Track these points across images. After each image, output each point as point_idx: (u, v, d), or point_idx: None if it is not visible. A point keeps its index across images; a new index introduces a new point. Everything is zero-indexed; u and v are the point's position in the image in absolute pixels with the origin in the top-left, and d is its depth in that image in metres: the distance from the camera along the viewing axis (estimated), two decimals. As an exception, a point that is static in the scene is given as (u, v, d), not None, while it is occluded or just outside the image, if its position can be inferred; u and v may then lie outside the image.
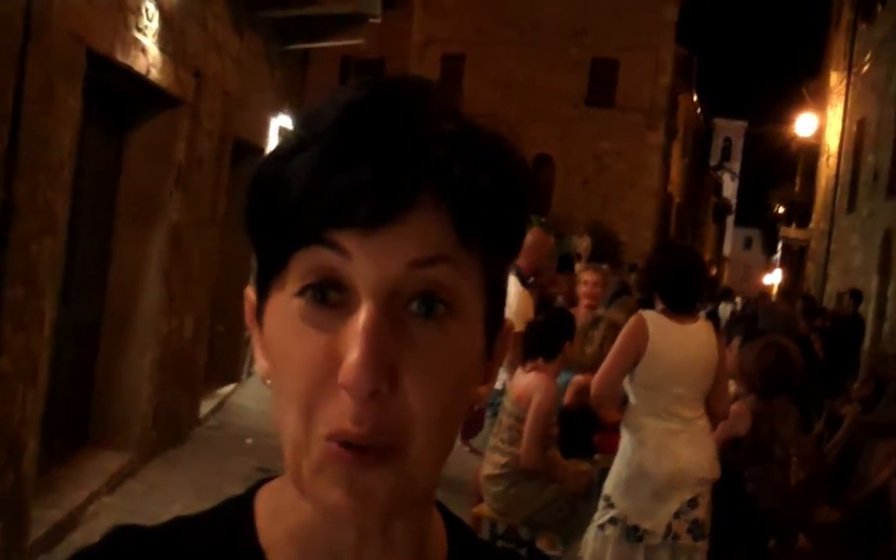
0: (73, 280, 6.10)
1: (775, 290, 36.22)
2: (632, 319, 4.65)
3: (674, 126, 32.92)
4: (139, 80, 6.28)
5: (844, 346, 13.75)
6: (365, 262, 0.73)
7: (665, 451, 4.54)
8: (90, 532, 5.87)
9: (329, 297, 0.74)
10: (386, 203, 0.72)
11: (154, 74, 6.37)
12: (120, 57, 5.70)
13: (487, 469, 5.52)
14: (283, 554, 0.83)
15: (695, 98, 40.47)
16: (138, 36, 6.00)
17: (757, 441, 5.51)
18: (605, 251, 23.65)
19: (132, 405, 7.15)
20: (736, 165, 65.94)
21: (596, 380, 4.61)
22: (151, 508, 6.54)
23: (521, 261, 6.74)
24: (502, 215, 0.78)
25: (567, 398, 5.48)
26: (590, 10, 29.56)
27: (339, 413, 0.72)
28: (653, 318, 4.57)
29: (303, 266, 0.75)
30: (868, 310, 16.57)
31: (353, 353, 0.71)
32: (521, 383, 5.39)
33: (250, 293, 0.84)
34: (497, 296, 0.82)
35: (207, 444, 8.56)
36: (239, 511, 0.88)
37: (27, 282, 4.77)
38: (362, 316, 0.72)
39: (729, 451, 5.60)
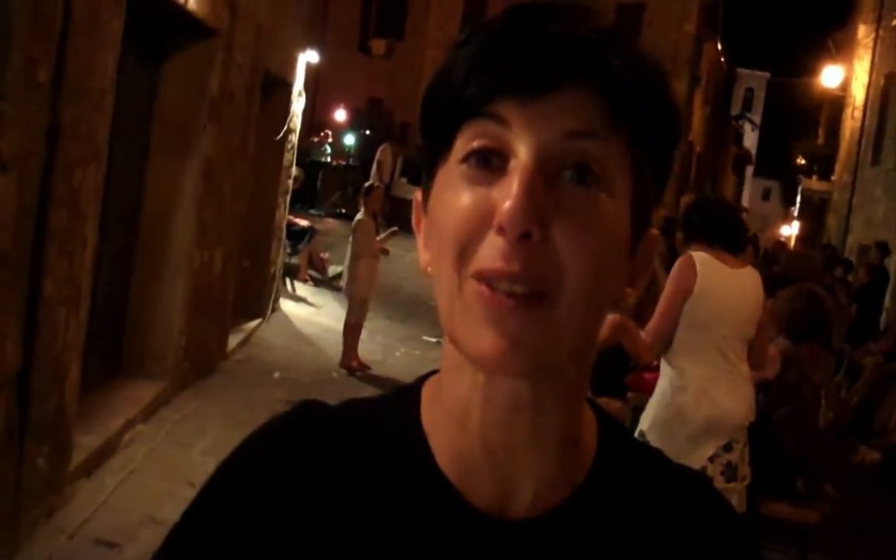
0: (109, 208, 6.14)
1: (792, 240, 36.07)
2: (681, 259, 4.63)
3: (697, 74, 32.64)
4: (176, 10, 6.27)
5: (871, 297, 13.76)
6: (523, 128, 0.80)
7: (705, 398, 4.55)
8: (127, 458, 5.97)
9: (490, 161, 0.81)
10: (542, 76, 0.79)
11: (191, 4, 6.37)
12: (160, -16, 5.71)
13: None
14: (441, 432, 0.91)
15: (719, 47, 40.07)
16: (177, -35, 6.00)
17: (785, 384, 5.56)
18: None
19: (165, 336, 7.22)
20: (757, 116, 65.44)
21: (653, 326, 4.59)
22: (185, 436, 6.64)
23: None
24: (649, 107, 0.85)
25: (602, 336, 5.51)
26: (617, -46, 29.21)
27: (492, 253, 0.78)
28: (701, 258, 4.55)
29: (467, 137, 0.83)
30: (891, 262, 16.51)
31: (509, 198, 0.77)
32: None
33: (418, 196, 0.93)
34: (643, 190, 0.87)
35: (235, 377, 8.66)
36: (408, 397, 0.96)
37: (71, 207, 4.81)
38: (520, 168, 0.79)
39: (758, 394, 5.65)
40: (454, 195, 0.82)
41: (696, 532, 0.95)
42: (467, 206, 0.81)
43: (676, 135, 0.90)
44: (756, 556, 1.00)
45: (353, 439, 0.93)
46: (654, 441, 4.56)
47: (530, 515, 0.88)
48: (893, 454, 9.22)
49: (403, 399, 0.96)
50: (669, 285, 4.60)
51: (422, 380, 0.97)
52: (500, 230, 0.77)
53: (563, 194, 0.79)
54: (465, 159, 0.82)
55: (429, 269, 0.88)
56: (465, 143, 0.82)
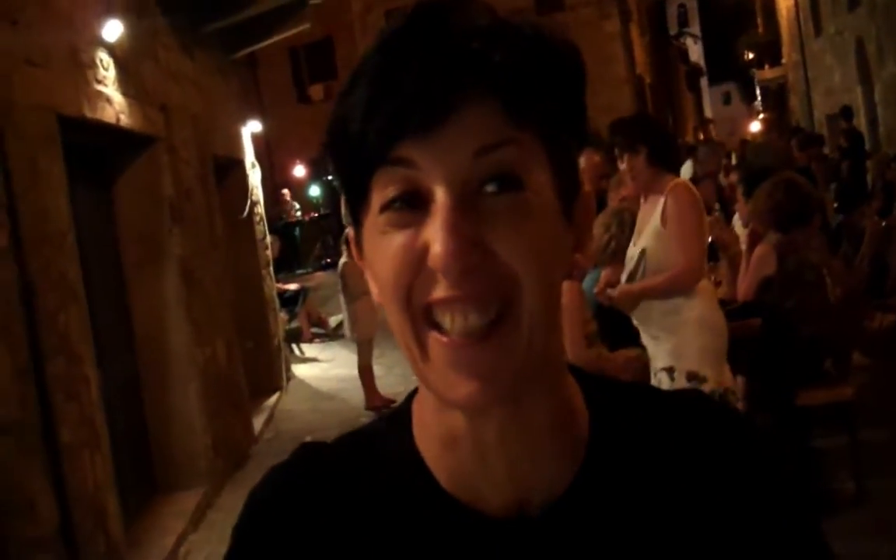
0: (102, 338, 6.19)
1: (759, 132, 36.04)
2: (680, 188, 4.45)
3: (626, 9, 32.58)
4: (112, 130, 6.34)
5: (857, 158, 13.76)
6: (431, 164, 0.79)
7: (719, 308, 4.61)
8: (187, 570, 6.01)
9: (409, 204, 0.81)
10: (434, 106, 0.78)
11: (124, 120, 6.43)
12: (88, 113, 5.76)
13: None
14: (436, 458, 0.91)
15: (639, -25, 40.16)
16: (100, 88, 6.05)
17: (787, 275, 5.60)
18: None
19: (191, 441, 7.26)
20: (696, 28, 65.41)
21: (688, 259, 4.38)
22: (236, 530, 6.65)
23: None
24: (550, 92, 0.83)
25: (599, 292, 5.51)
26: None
27: (438, 285, 0.79)
28: (688, 182, 4.57)
29: (380, 187, 0.82)
30: (860, 122, 16.58)
31: (437, 240, 0.77)
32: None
33: (351, 233, 0.93)
34: (565, 167, 0.86)
35: (269, 456, 8.66)
36: (400, 420, 0.97)
37: (65, 352, 4.87)
38: (440, 205, 0.78)
39: (764, 293, 5.69)
40: (385, 243, 0.82)
41: (710, 450, 0.93)
42: (400, 249, 0.81)
43: (580, 91, 0.88)
44: (769, 448, 0.97)
45: (354, 471, 0.94)
46: (710, 375, 4.38)
47: (545, 506, 0.88)
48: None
49: (396, 422, 0.96)
50: (689, 216, 4.41)
51: (410, 397, 0.97)
52: (439, 272, 0.78)
53: (490, 207, 0.79)
54: (385, 208, 0.82)
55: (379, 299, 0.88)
56: (380, 192, 0.82)
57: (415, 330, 0.82)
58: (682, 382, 4.38)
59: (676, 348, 4.43)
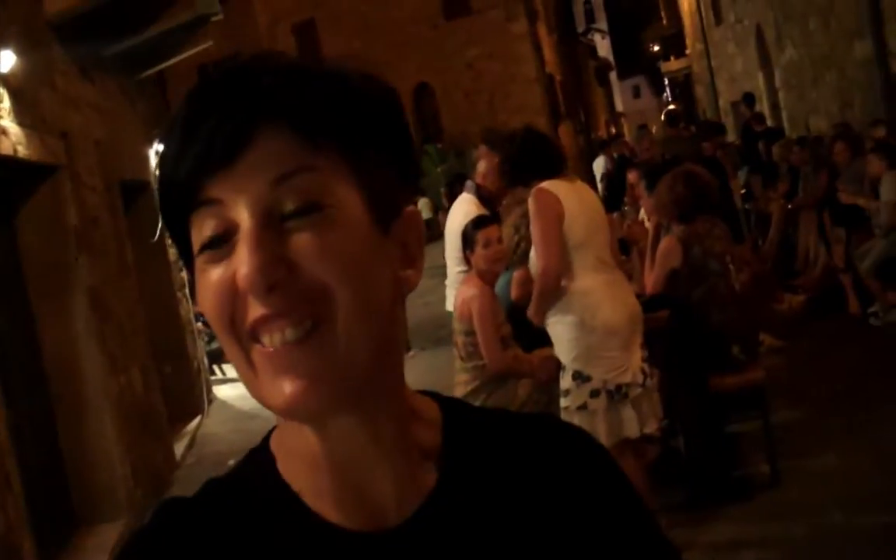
0: (10, 375, 6.06)
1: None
2: (535, 194, 4.61)
3: (532, 9, 32.90)
4: (9, 162, 6.20)
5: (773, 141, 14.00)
6: (235, 196, 0.84)
7: (616, 300, 4.65)
8: (109, 603, 5.90)
9: (220, 242, 0.85)
10: (230, 142, 0.83)
11: (22, 151, 6.30)
12: (-17, 148, 5.64)
13: (459, 392, 5.59)
14: (300, 478, 0.94)
15: (544, -26, 40.51)
16: (-6, 121, 5.93)
17: (692, 265, 5.69)
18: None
19: (109, 472, 7.14)
20: (603, 23, 66.26)
21: (544, 261, 4.55)
22: None
23: (482, 181, 6.74)
24: (346, 119, 0.88)
25: (514, 294, 5.55)
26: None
27: (253, 306, 0.83)
28: (552, 184, 4.63)
29: (196, 229, 0.87)
30: (763, 107, 16.93)
31: (243, 261, 0.82)
32: (458, 301, 5.49)
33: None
34: (376, 186, 0.89)
35: (192, 482, 8.49)
36: (260, 458, 0.99)
37: (-32, 394, 4.77)
38: (243, 230, 0.83)
39: (672, 285, 5.78)
40: (205, 280, 0.86)
41: (554, 468, 1.00)
42: (216, 283, 0.85)
43: (388, 117, 0.93)
44: (607, 460, 1.05)
45: (220, 516, 0.94)
46: (593, 372, 4.54)
47: (402, 520, 0.92)
48: (818, 290, 9.47)
49: (256, 459, 0.99)
50: (541, 219, 4.58)
51: (268, 436, 1.00)
52: (247, 290, 0.82)
53: (293, 229, 0.83)
54: (202, 249, 0.86)
55: None
56: (197, 234, 0.87)
57: (243, 353, 0.86)
58: (568, 381, 4.64)
59: (567, 348, 4.66)
